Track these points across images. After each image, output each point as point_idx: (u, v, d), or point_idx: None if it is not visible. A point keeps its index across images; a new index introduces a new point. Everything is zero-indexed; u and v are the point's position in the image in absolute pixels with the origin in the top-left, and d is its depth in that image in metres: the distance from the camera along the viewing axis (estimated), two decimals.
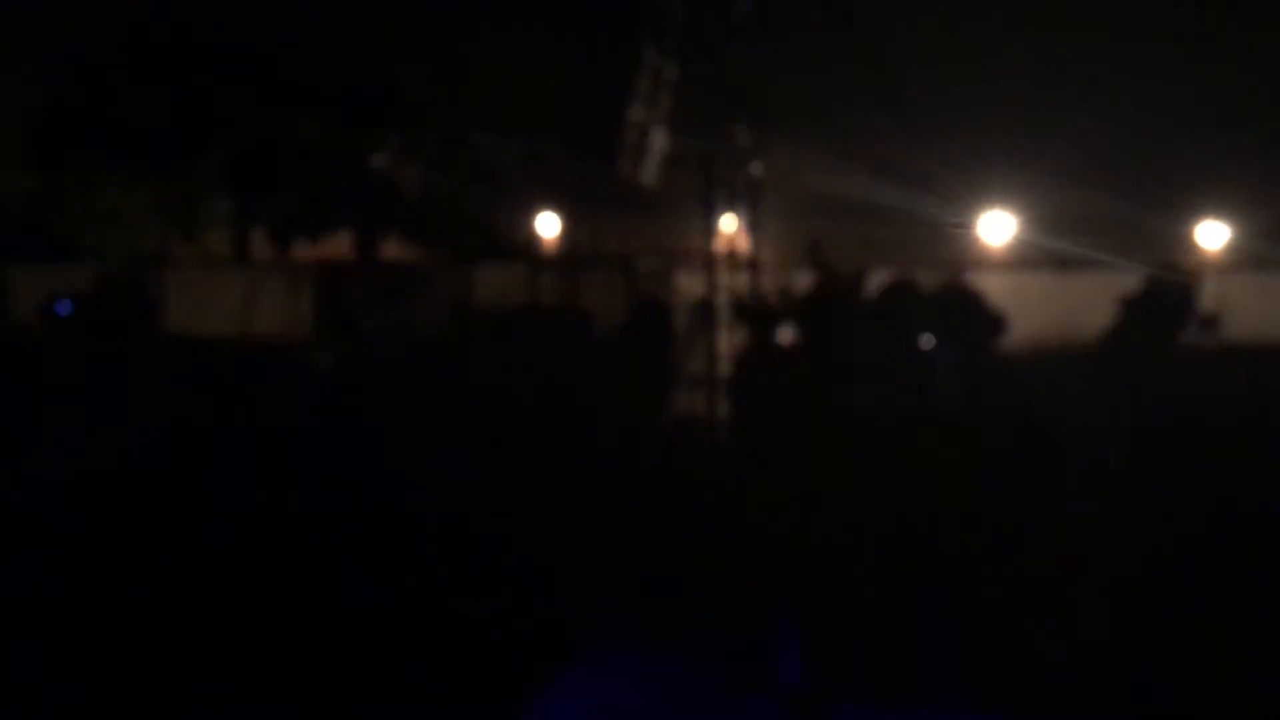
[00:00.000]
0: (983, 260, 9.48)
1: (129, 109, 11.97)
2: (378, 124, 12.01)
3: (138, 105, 11.97)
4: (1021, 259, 9.57)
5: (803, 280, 6.98)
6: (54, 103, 12.06)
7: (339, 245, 12.47)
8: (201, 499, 5.29)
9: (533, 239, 11.84)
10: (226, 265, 12.51)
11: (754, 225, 9.07)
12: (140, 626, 4.41)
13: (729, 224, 9.04)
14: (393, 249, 12.43)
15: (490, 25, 11.19)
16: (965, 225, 9.58)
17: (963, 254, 9.57)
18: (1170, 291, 5.81)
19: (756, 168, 9.13)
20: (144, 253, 12.21)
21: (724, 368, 7.56)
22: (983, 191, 9.58)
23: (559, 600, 5.03)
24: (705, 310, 8.77)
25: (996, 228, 9.64)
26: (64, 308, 8.28)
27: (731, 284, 8.90)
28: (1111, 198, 8.94)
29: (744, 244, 9.19)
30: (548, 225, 11.91)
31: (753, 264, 9.13)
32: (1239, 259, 10.28)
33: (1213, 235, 10.55)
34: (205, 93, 11.76)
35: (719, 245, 9.09)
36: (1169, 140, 9.49)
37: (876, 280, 6.66)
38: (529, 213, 11.97)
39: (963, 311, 5.75)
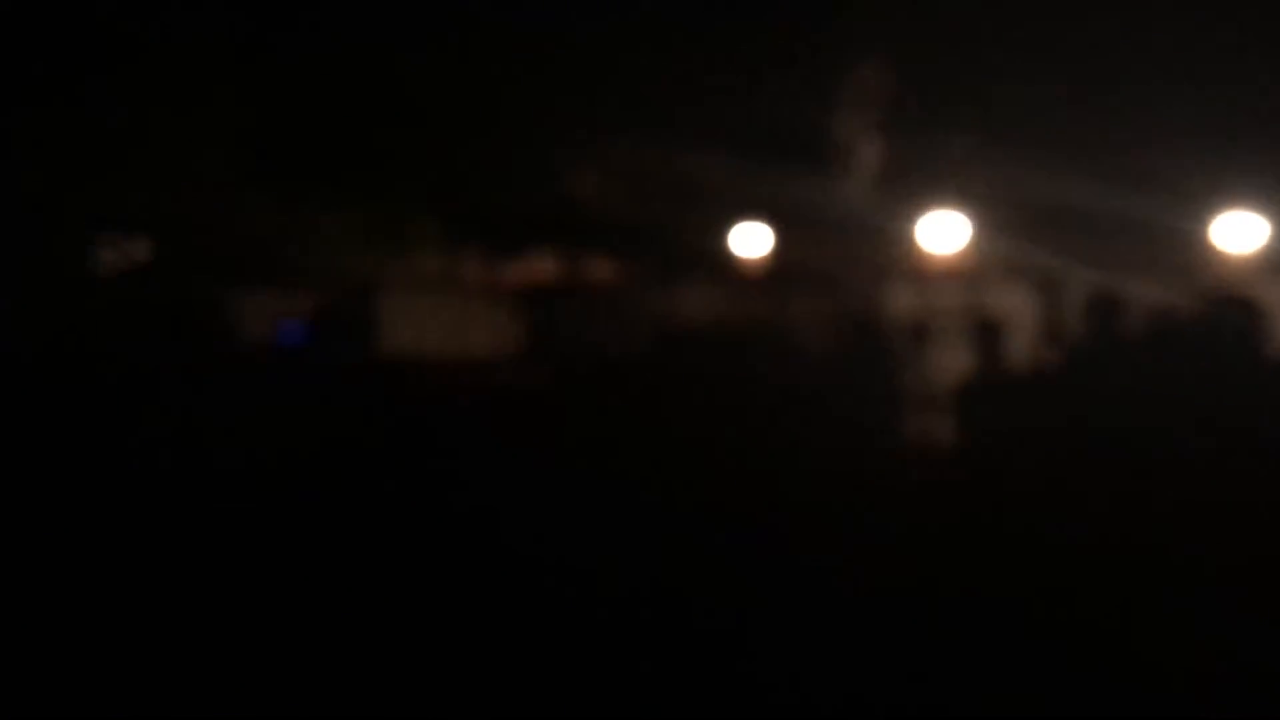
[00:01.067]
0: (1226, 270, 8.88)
1: (339, 129, 12.08)
2: (579, 142, 11.95)
3: (348, 126, 12.08)
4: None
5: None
6: (265, 124, 12.22)
7: (544, 265, 12.46)
8: (417, 525, 5.30)
9: (735, 255, 11.59)
10: (436, 287, 12.56)
11: (973, 236, 8.71)
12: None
13: (946, 236, 8.70)
14: (596, 268, 12.37)
15: (690, 34, 10.99)
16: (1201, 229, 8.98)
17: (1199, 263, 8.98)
18: None
19: (975, 176, 8.76)
20: (355, 275, 12.29)
21: (947, 391, 7.15)
22: (1220, 192, 8.97)
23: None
24: (922, 329, 8.44)
25: (1242, 231, 8.96)
26: (294, 334, 7.92)
27: (951, 299, 8.56)
28: None
29: (963, 256, 8.84)
30: (751, 241, 11.65)
31: (973, 278, 8.77)
32: None
33: None
34: (411, 114, 11.84)
35: (934, 259, 8.75)
36: None
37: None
38: (732, 228, 11.73)
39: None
